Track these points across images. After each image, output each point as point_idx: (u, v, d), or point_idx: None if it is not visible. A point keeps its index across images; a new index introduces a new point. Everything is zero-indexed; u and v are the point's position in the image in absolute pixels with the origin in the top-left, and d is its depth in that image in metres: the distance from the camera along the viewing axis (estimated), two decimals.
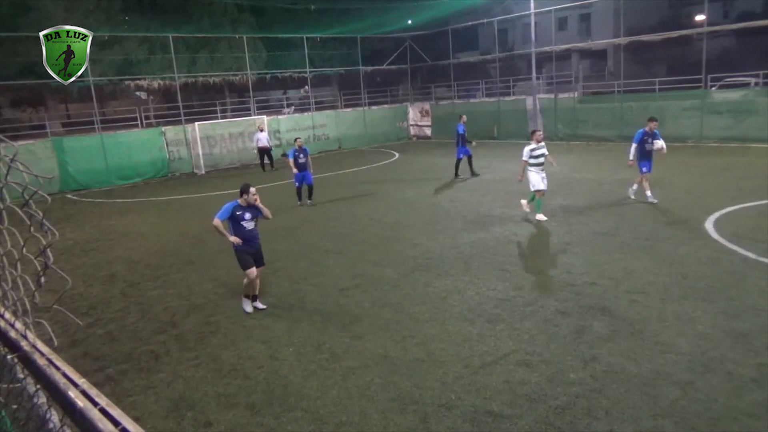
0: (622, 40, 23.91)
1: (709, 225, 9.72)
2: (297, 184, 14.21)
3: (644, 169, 11.60)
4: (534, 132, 11.20)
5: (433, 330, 6.37)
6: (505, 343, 5.91)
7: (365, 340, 6.24)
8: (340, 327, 6.67)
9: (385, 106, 31.58)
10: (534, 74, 25.91)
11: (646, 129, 11.63)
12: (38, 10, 21.22)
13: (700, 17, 26.80)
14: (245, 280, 7.28)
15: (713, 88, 22.21)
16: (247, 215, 7.12)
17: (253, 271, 7.14)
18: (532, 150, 10.82)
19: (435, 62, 31.43)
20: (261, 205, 7.17)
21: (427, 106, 31.26)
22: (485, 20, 29.03)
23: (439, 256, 9.16)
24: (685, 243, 8.84)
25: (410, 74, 33.34)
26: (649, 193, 11.65)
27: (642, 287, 7.17)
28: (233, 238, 7.03)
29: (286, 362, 5.89)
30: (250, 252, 7.18)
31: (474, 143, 17.20)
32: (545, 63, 29.80)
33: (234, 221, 7.09)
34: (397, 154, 24.65)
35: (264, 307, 7.43)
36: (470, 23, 30.23)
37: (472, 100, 29.73)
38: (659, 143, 11.48)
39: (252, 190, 7.07)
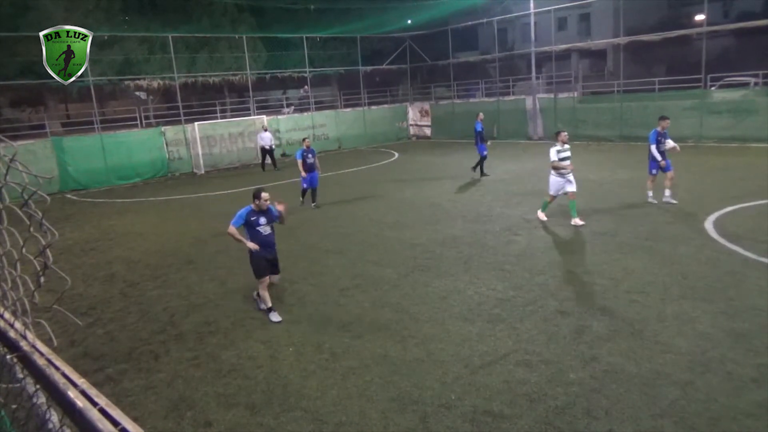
0: (622, 40, 23.92)
1: (709, 225, 9.72)
2: (305, 185, 13.86)
3: (654, 171, 11.48)
4: (559, 133, 10.62)
5: (433, 330, 6.37)
6: (504, 343, 5.91)
7: (365, 340, 6.24)
8: (340, 327, 6.66)
9: (385, 106, 31.57)
10: (534, 74, 25.96)
11: (659, 129, 11.34)
12: (38, 9, 21.21)
13: (699, 17, 26.82)
14: (260, 290, 7.09)
15: (713, 88, 22.22)
16: (262, 220, 6.94)
17: (266, 280, 7.03)
18: (559, 152, 10.31)
19: (435, 62, 31.43)
20: (279, 207, 6.98)
21: (426, 106, 31.26)
22: (485, 20, 29.03)
23: (439, 256, 9.16)
24: (685, 243, 8.84)
25: (410, 74, 33.33)
26: (650, 193, 11.64)
27: (642, 287, 7.17)
28: (251, 244, 6.84)
29: (285, 362, 5.89)
30: (267, 258, 7.00)
31: (489, 143, 17.07)
32: (545, 63, 29.79)
33: (249, 227, 6.91)
34: (396, 154, 24.65)
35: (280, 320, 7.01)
36: (470, 23, 30.23)
37: (471, 100, 29.73)
38: (671, 142, 11.35)
39: (264, 195, 6.87)
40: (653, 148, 11.33)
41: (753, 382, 4.82)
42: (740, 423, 4.32)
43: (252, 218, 6.92)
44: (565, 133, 10.62)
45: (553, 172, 10.47)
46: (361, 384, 5.31)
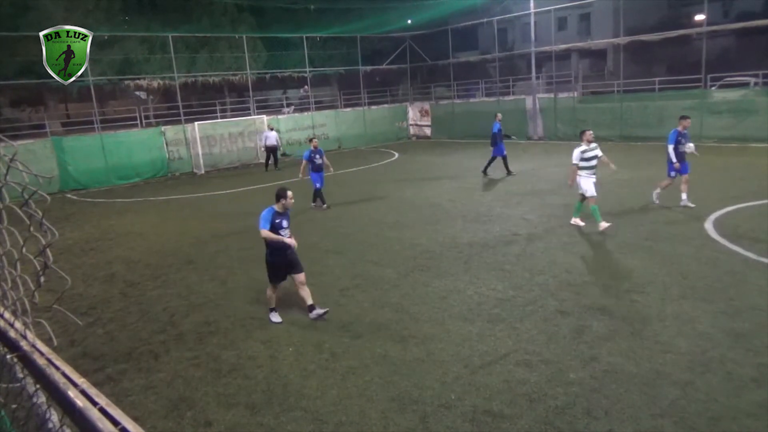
0: (622, 40, 23.92)
1: (709, 225, 9.72)
2: (318, 185, 13.53)
3: (672, 173, 10.98)
4: (584, 132, 10.02)
5: (433, 330, 6.37)
6: (504, 343, 5.91)
7: (365, 340, 6.24)
8: (340, 327, 6.66)
9: (385, 105, 31.57)
10: (534, 74, 25.95)
11: (679, 129, 10.85)
12: (38, 9, 21.22)
13: (699, 17, 26.82)
14: (269, 290, 7.03)
15: (713, 88, 22.22)
16: (285, 222, 6.73)
17: (276, 285, 6.96)
18: (584, 152, 9.78)
19: (435, 62, 31.43)
20: (291, 242, 6.76)
21: (426, 105, 31.26)
22: (485, 20, 29.03)
23: (439, 256, 9.16)
24: (685, 243, 8.84)
25: (410, 74, 33.33)
26: (657, 192, 11.48)
27: (642, 287, 7.17)
28: (290, 240, 6.59)
29: (285, 362, 5.89)
30: (286, 259, 6.77)
31: (511, 138, 16.96)
32: (545, 62, 29.80)
33: (272, 230, 6.59)
34: (396, 154, 24.65)
35: (326, 310, 6.93)
36: (470, 23, 30.23)
37: (471, 100, 29.75)
38: (691, 145, 10.91)
39: (290, 193, 6.67)
40: (671, 148, 10.81)
41: (753, 382, 4.82)
42: (740, 423, 4.32)
43: (276, 221, 6.65)
44: (591, 132, 10.03)
45: (581, 173, 9.84)
46: (361, 384, 5.31)
